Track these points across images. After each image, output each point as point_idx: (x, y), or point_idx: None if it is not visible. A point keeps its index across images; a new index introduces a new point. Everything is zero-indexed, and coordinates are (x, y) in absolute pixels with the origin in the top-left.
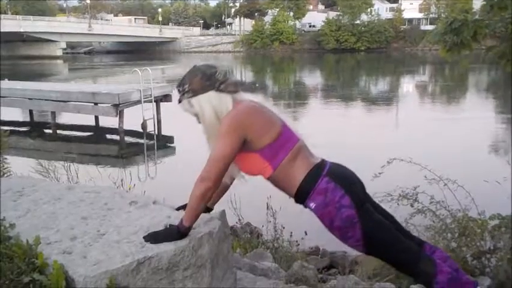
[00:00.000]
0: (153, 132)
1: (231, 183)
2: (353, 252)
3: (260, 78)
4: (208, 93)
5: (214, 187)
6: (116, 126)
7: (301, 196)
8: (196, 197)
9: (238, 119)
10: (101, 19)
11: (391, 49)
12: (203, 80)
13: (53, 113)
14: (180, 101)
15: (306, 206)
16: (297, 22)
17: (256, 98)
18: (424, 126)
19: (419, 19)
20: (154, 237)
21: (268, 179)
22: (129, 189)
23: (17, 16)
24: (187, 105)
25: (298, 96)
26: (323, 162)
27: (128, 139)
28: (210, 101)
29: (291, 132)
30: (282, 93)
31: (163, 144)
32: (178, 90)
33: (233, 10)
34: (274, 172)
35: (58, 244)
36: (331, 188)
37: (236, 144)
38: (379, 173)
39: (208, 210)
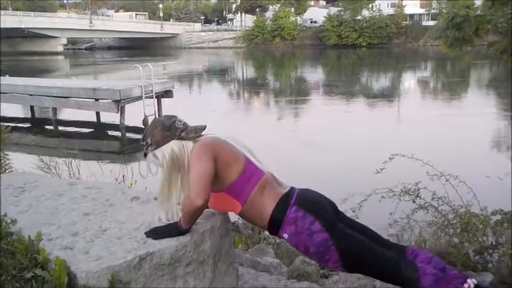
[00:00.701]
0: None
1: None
2: None
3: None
4: (170, 143)
5: (205, 203)
6: (117, 122)
7: (273, 228)
8: (188, 214)
9: (207, 146)
10: (102, 15)
11: (392, 45)
12: (163, 131)
13: (54, 109)
14: (145, 155)
15: (280, 237)
16: (298, 18)
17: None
18: (425, 122)
19: (420, 14)
20: (155, 233)
21: (239, 214)
22: (131, 185)
23: (18, 12)
24: (153, 157)
25: (299, 92)
26: (291, 191)
27: (129, 135)
28: (173, 150)
29: (255, 166)
30: (283, 89)
31: None
32: (142, 144)
33: (234, 6)
34: (244, 208)
35: (60, 240)
36: (300, 216)
37: (210, 161)
38: (381, 169)
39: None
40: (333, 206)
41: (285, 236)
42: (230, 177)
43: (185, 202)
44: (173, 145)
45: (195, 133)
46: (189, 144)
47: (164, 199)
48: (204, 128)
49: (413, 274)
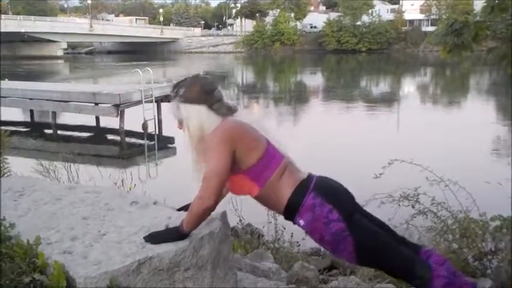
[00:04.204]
0: (153, 132)
1: (227, 193)
2: None
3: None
4: (200, 106)
5: (216, 204)
6: (117, 126)
7: (289, 213)
8: (196, 215)
9: (227, 133)
10: (102, 19)
11: (392, 50)
12: (201, 93)
13: (54, 113)
14: (169, 100)
15: (295, 223)
16: (298, 23)
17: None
18: (425, 128)
19: (420, 20)
20: (154, 238)
21: (256, 198)
22: (130, 189)
23: (18, 16)
24: (176, 108)
25: (299, 97)
26: (309, 177)
27: (129, 139)
28: (199, 115)
29: (276, 150)
30: (283, 94)
31: (164, 144)
32: (173, 90)
33: (234, 11)
34: (261, 191)
35: (59, 244)
36: (318, 203)
37: (228, 158)
38: (380, 174)
39: None
40: (351, 196)
41: (301, 222)
42: (250, 160)
43: (195, 202)
44: (202, 110)
45: (226, 110)
46: (215, 118)
47: (194, 155)
48: (236, 109)
49: (427, 274)
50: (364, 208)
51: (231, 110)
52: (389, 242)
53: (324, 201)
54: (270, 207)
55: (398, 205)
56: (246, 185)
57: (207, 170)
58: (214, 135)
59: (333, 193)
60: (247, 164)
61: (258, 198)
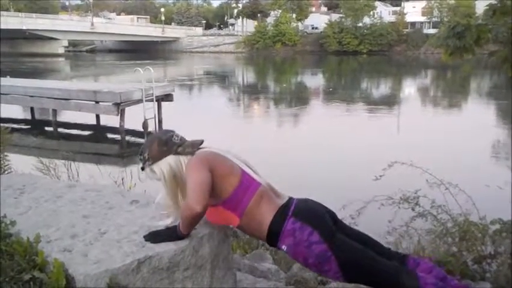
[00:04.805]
0: (154, 131)
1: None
2: None
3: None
4: (166, 158)
5: (204, 210)
6: (117, 125)
7: (271, 240)
8: (188, 221)
9: (202, 158)
10: (104, 18)
11: (393, 52)
12: (160, 146)
13: (54, 111)
14: (142, 169)
15: (278, 249)
16: (299, 24)
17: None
18: (425, 130)
19: (422, 22)
20: (154, 237)
21: (238, 227)
22: (130, 188)
23: (20, 13)
24: (150, 172)
25: (299, 98)
26: (289, 202)
27: (129, 138)
28: (170, 165)
29: (252, 177)
30: (283, 94)
31: None
32: (140, 159)
33: (236, 11)
34: (241, 220)
35: (59, 242)
36: (298, 227)
37: (207, 173)
38: (380, 176)
39: None
40: (332, 215)
41: (284, 247)
42: (226, 190)
43: (184, 209)
44: (170, 160)
45: (191, 148)
46: (186, 160)
47: (172, 207)
48: (201, 142)
49: (414, 284)
50: (364, 210)
51: (195, 146)
52: (373, 257)
53: (303, 225)
54: (252, 235)
55: (398, 207)
56: (225, 216)
57: (189, 184)
58: (190, 163)
59: (312, 216)
60: (224, 193)
61: (240, 227)
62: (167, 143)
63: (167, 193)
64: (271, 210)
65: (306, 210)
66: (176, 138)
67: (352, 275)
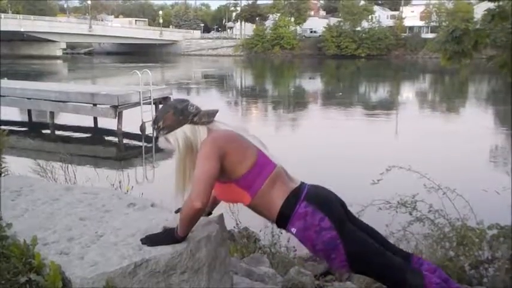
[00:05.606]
0: (151, 134)
1: (212, 211)
2: None
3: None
4: (182, 127)
5: (204, 207)
6: (115, 128)
7: (281, 221)
8: (187, 218)
9: (216, 144)
10: (102, 20)
11: (391, 56)
12: (176, 115)
13: (52, 113)
14: (156, 139)
15: (287, 231)
16: (298, 27)
17: (233, 126)
18: (423, 135)
19: (420, 27)
20: (151, 240)
21: (248, 206)
22: (127, 191)
23: (18, 15)
24: (165, 141)
25: (297, 102)
26: (301, 186)
27: (126, 141)
28: (186, 134)
29: (267, 159)
30: (281, 98)
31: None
32: (153, 127)
33: (234, 14)
34: (253, 200)
35: (55, 245)
36: (310, 212)
37: (216, 164)
38: (378, 180)
39: (207, 214)
40: (342, 204)
41: (293, 230)
42: (240, 170)
43: (185, 204)
44: (186, 129)
45: (207, 117)
46: (201, 129)
47: (180, 181)
48: (216, 112)
49: (419, 282)
50: (362, 214)
51: (211, 115)
52: (381, 251)
53: (315, 210)
54: (262, 215)
55: (396, 212)
56: (237, 193)
57: (195, 174)
58: (203, 145)
59: (325, 202)
60: (238, 172)
61: (250, 206)
62: (183, 112)
63: (179, 165)
64: (284, 192)
65: (319, 196)
66: (192, 108)
67: (358, 266)
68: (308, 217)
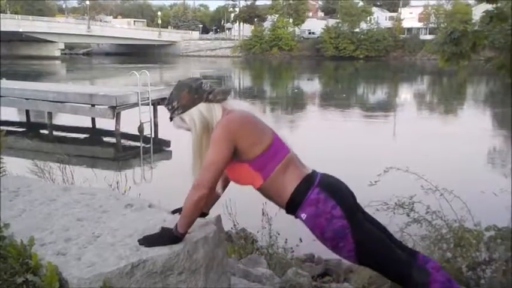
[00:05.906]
0: (149, 135)
1: (222, 193)
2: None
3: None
4: (198, 106)
5: (208, 193)
6: (113, 128)
7: (292, 207)
8: (190, 204)
9: (230, 128)
10: (100, 21)
11: (389, 58)
12: (191, 94)
13: (50, 114)
14: (171, 119)
15: (296, 217)
16: (296, 28)
17: (247, 106)
18: (421, 136)
19: (418, 28)
20: (149, 241)
21: (259, 189)
22: (125, 191)
23: (16, 16)
24: (180, 121)
25: (295, 103)
26: (314, 173)
27: (125, 142)
28: (201, 114)
29: (282, 143)
30: (279, 99)
31: (160, 148)
32: (168, 108)
33: (232, 15)
34: (265, 182)
35: (52, 245)
36: (322, 199)
37: (227, 151)
38: (375, 181)
39: (203, 214)
40: (353, 196)
41: (303, 216)
42: (255, 151)
43: (190, 191)
44: (201, 108)
45: (222, 95)
46: (216, 107)
47: (197, 161)
48: (230, 90)
49: (425, 279)
50: None
51: (226, 93)
52: (389, 244)
53: (328, 197)
54: (271, 199)
55: (393, 213)
56: (249, 175)
57: (205, 160)
58: (218, 127)
59: (337, 190)
60: (252, 154)
61: (261, 189)
62: (198, 91)
63: (195, 145)
64: (296, 177)
65: (331, 184)
66: (206, 85)
67: (364, 258)
68: (320, 204)
